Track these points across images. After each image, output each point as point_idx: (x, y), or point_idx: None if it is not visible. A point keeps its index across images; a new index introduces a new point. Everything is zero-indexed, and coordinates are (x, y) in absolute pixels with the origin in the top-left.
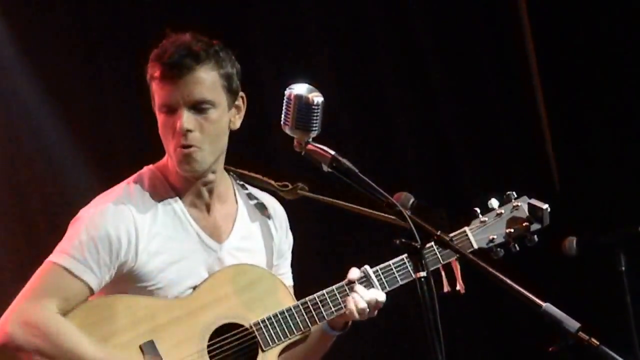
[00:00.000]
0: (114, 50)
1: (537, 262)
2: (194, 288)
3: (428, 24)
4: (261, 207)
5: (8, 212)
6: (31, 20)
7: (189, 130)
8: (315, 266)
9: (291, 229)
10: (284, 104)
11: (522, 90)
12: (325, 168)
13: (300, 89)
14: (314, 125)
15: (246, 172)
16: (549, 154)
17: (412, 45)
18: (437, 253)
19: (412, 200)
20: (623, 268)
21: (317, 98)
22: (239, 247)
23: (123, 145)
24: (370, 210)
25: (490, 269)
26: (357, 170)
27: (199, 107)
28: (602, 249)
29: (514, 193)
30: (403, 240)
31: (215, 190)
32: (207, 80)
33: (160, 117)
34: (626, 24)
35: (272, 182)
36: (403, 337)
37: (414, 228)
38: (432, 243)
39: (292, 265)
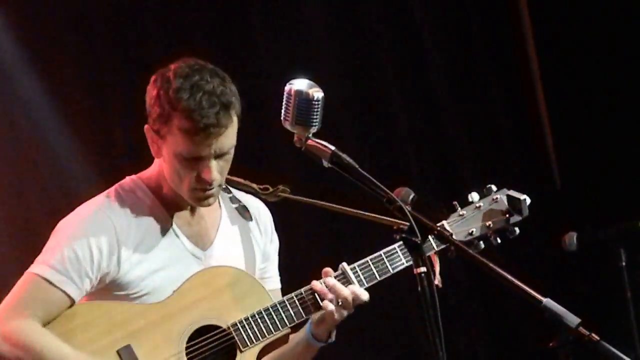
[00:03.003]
0: (115, 49)
1: (537, 258)
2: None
3: (429, 19)
4: (244, 210)
5: (9, 212)
6: (33, 21)
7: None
8: (305, 267)
9: (279, 230)
10: (284, 100)
11: (523, 87)
12: (325, 163)
13: (300, 84)
14: (314, 120)
15: (228, 176)
16: (549, 151)
17: (412, 40)
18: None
19: (412, 195)
20: (623, 263)
21: (317, 93)
22: (223, 253)
23: (124, 144)
24: (356, 211)
25: (491, 265)
26: (357, 166)
27: (225, 154)
28: (603, 244)
29: (494, 186)
30: (404, 235)
31: None
32: (234, 128)
33: (176, 162)
34: (626, 20)
35: (254, 185)
36: (403, 334)
37: (414, 223)
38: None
39: (279, 267)
